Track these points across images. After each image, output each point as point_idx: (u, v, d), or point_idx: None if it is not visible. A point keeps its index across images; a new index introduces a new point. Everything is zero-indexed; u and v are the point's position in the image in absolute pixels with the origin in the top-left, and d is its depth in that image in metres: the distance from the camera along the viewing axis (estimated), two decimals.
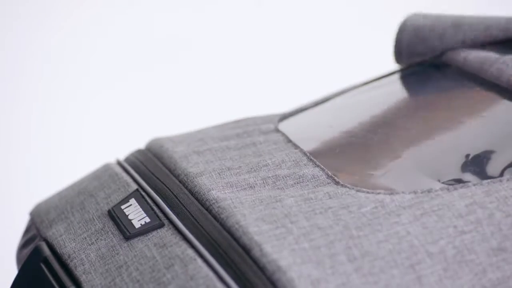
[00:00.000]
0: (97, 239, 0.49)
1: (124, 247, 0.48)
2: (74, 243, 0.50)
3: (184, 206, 0.49)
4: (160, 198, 0.50)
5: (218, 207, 0.48)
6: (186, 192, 0.50)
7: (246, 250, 0.44)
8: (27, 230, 0.55)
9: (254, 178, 0.50)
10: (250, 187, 0.50)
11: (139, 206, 0.50)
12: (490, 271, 0.44)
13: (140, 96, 1.31)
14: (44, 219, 0.53)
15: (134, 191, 0.51)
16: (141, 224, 0.48)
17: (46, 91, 1.32)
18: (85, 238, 0.50)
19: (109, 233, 0.49)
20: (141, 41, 1.41)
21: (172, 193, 0.51)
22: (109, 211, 0.51)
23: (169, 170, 0.53)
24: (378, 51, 1.33)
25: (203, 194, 0.49)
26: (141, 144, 0.58)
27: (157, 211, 0.49)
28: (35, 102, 1.30)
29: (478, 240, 0.45)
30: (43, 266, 0.50)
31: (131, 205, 0.50)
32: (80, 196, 0.53)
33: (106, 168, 0.55)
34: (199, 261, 0.45)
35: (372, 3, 1.52)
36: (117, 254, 0.48)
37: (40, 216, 0.54)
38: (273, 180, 0.50)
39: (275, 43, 1.43)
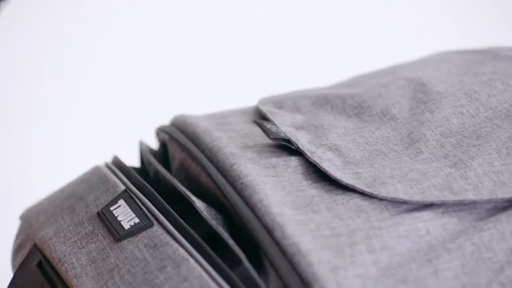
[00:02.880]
0: (88, 242, 0.49)
1: (115, 249, 0.47)
2: (65, 247, 0.49)
3: (216, 183, 0.49)
4: (147, 197, 0.50)
5: (241, 183, 0.48)
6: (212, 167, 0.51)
7: (268, 231, 0.45)
8: (18, 235, 0.55)
9: (277, 159, 0.50)
10: (273, 166, 0.50)
11: (128, 207, 0.49)
12: (508, 269, 0.45)
13: (140, 96, 1.31)
14: (33, 222, 0.53)
15: (123, 191, 0.51)
16: (130, 225, 0.48)
17: (46, 91, 1.32)
18: (75, 241, 0.49)
19: (99, 235, 0.49)
20: (141, 41, 1.41)
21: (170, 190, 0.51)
22: (98, 213, 0.50)
23: (194, 144, 0.53)
24: (377, 51, 1.33)
25: (227, 169, 0.49)
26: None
27: (146, 210, 0.49)
28: (35, 102, 1.30)
29: (497, 238, 0.45)
30: (38, 271, 0.49)
31: (119, 206, 0.50)
32: (70, 199, 0.53)
33: (95, 170, 0.55)
34: (191, 261, 0.45)
35: (371, 3, 1.52)
36: (108, 256, 0.47)
37: (30, 220, 0.53)
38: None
39: (275, 42, 1.42)
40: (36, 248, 0.50)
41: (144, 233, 0.47)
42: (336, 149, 0.51)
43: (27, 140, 1.25)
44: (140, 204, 0.49)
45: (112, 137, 1.17)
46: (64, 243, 0.49)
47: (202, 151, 0.52)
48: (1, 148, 1.22)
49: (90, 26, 1.44)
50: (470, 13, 1.51)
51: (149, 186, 0.51)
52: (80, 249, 0.49)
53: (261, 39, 1.44)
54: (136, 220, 0.48)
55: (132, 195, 0.50)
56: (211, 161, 0.51)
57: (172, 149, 0.56)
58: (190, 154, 0.53)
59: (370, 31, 1.42)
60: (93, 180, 0.53)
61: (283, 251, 0.43)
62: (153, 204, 0.49)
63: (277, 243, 0.44)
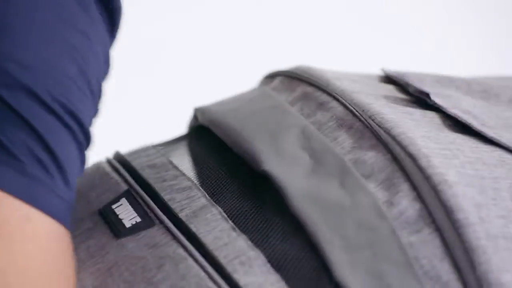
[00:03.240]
0: (88, 237, 0.49)
1: (115, 246, 0.48)
2: None
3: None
4: (150, 197, 0.50)
5: (382, 117, 0.48)
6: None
7: (413, 159, 0.45)
8: None
9: (413, 109, 0.51)
10: (410, 114, 0.50)
11: (130, 206, 0.49)
12: None
13: (140, 96, 1.30)
14: None
15: (125, 190, 0.51)
16: (131, 224, 0.48)
17: None
18: (76, 236, 0.49)
19: (100, 232, 0.49)
20: (140, 41, 1.41)
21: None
22: (99, 211, 0.50)
23: (321, 87, 0.53)
24: (377, 52, 1.33)
25: (363, 106, 0.49)
26: (139, 144, 0.57)
27: (148, 210, 0.49)
28: None
29: None
30: None
31: (121, 204, 0.50)
32: None
33: (96, 168, 0.55)
34: (190, 260, 0.45)
35: (371, 3, 1.52)
36: (108, 253, 0.47)
37: None
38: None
39: (275, 41, 1.42)
40: None
41: (145, 232, 0.47)
42: (470, 113, 0.51)
43: None
44: (142, 203, 0.49)
45: (110, 136, 1.17)
46: None
47: (330, 92, 0.52)
48: None
49: None
50: (470, 13, 1.52)
51: (151, 184, 0.51)
52: (80, 243, 0.49)
53: (262, 38, 1.44)
54: (138, 219, 0.48)
55: (134, 194, 0.50)
56: (344, 99, 0.51)
57: (292, 86, 0.55)
58: (320, 86, 0.53)
59: (370, 31, 1.42)
60: (95, 177, 0.53)
61: (427, 178, 0.44)
62: (155, 203, 0.49)
63: (422, 170, 0.44)
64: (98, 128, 1.29)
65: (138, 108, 1.28)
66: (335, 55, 1.36)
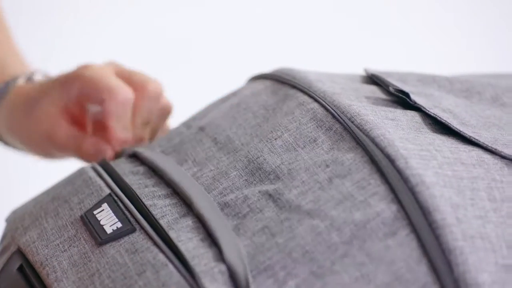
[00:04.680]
0: (70, 246, 0.49)
1: (96, 253, 0.47)
2: (47, 250, 0.49)
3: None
4: (131, 202, 0.50)
5: (361, 119, 0.48)
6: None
7: (391, 160, 0.45)
8: (3, 237, 0.54)
9: (393, 109, 0.51)
10: (390, 112, 0.50)
11: (111, 211, 0.49)
12: None
13: None
14: (19, 225, 0.53)
15: (107, 195, 0.50)
16: (112, 230, 0.48)
17: None
18: (58, 245, 0.49)
19: (82, 239, 0.49)
20: (142, 41, 1.41)
21: None
22: (81, 217, 0.50)
23: (303, 89, 0.53)
24: (377, 51, 1.32)
25: (343, 108, 0.50)
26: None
27: (129, 215, 0.49)
28: None
29: None
30: (18, 275, 0.49)
31: (103, 210, 0.50)
32: (54, 202, 0.53)
33: (80, 173, 0.54)
34: (171, 266, 0.44)
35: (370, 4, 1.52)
36: (90, 261, 0.47)
37: (16, 223, 0.53)
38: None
39: (276, 41, 1.42)
40: (18, 252, 0.50)
41: (126, 238, 0.47)
42: (450, 112, 0.51)
43: None
44: (124, 209, 0.49)
45: None
46: (47, 246, 0.49)
47: (313, 93, 0.52)
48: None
49: (89, 25, 1.44)
50: (469, 13, 1.51)
51: (133, 190, 0.50)
52: (62, 252, 0.48)
53: (263, 38, 1.44)
54: (119, 224, 0.48)
55: (116, 199, 0.50)
56: (325, 101, 0.51)
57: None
58: (302, 88, 0.53)
59: (369, 31, 1.42)
60: (78, 182, 0.53)
61: (405, 180, 0.44)
62: (136, 208, 0.49)
63: (399, 172, 0.44)
64: None
65: None
66: (329, 55, 1.36)
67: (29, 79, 0.66)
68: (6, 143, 0.68)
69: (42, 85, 0.63)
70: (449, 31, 1.53)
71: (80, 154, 0.62)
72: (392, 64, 0.65)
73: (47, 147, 0.63)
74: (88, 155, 0.61)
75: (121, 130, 0.60)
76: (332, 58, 1.35)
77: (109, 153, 0.60)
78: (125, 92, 0.59)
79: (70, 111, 0.62)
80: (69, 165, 0.63)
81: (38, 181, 0.68)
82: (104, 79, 0.59)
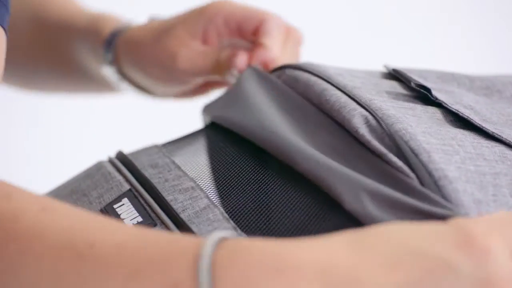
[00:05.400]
0: None
1: None
2: None
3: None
4: (152, 197, 0.50)
5: (383, 113, 0.48)
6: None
7: (415, 154, 0.45)
8: None
9: (414, 104, 0.51)
10: (411, 109, 0.50)
11: (131, 206, 0.49)
12: None
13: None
14: None
15: (127, 190, 0.51)
16: (133, 224, 0.48)
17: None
18: None
19: None
20: None
21: None
22: (101, 210, 0.50)
23: (324, 77, 0.54)
24: (375, 51, 1.32)
25: (365, 102, 0.50)
26: (140, 144, 0.57)
27: (150, 210, 0.49)
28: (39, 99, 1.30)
29: None
30: None
31: (123, 204, 0.50)
32: (73, 195, 0.53)
33: (98, 167, 0.54)
34: None
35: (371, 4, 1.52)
36: None
37: None
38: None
39: None
40: None
41: None
42: (471, 109, 0.51)
43: (29, 136, 1.24)
44: (144, 204, 0.49)
45: (112, 135, 1.16)
46: None
47: (336, 85, 0.53)
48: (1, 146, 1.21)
49: None
50: (469, 13, 1.52)
51: (153, 184, 0.50)
52: None
53: None
54: (140, 219, 0.48)
55: (136, 194, 0.50)
56: (347, 96, 0.51)
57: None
58: (323, 77, 0.53)
59: (369, 31, 1.42)
60: (96, 176, 0.53)
61: (429, 174, 0.44)
62: (157, 203, 0.49)
63: (422, 165, 0.44)
64: (100, 127, 1.28)
65: (140, 108, 1.28)
66: (334, 54, 1.36)
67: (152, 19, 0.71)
68: (129, 79, 0.71)
69: (174, 18, 0.67)
70: (449, 31, 1.54)
71: (208, 69, 0.65)
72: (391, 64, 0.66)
73: (171, 71, 0.66)
74: (220, 66, 0.64)
75: (276, 49, 0.63)
76: (333, 58, 1.35)
77: (244, 60, 0.63)
78: (280, 17, 0.65)
79: (206, 35, 0.65)
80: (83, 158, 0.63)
81: (53, 173, 0.67)
82: (253, 7, 0.65)
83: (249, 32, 0.65)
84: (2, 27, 0.48)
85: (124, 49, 0.69)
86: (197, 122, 0.63)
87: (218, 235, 0.38)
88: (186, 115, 1.10)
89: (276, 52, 0.63)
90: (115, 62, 0.70)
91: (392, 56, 1.32)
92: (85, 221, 0.40)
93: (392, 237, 0.37)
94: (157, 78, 0.68)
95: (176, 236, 0.39)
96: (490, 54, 1.51)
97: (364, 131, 0.48)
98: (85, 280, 0.37)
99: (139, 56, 0.68)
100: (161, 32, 0.66)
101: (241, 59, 0.63)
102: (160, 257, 0.37)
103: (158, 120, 1.25)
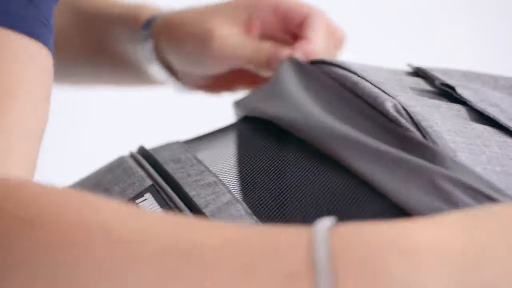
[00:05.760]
0: None
1: None
2: None
3: None
4: (175, 193, 0.50)
5: (409, 110, 0.48)
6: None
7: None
8: None
9: (439, 102, 0.51)
10: (435, 106, 0.50)
11: (154, 201, 0.49)
12: None
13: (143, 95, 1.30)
14: None
15: (150, 186, 0.51)
16: None
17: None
18: None
19: None
20: None
21: None
22: None
23: (351, 70, 0.54)
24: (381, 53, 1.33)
25: (393, 96, 0.50)
26: (140, 143, 0.58)
27: (172, 206, 0.49)
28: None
29: None
30: None
31: (146, 199, 0.50)
32: (95, 189, 0.53)
33: (120, 162, 0.54)
34: None
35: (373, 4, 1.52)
36: None
37: None
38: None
39: None
40: None
41: None
42: (497, 107, 0.51)
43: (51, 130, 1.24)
44: (167, 199, 0.49)
45: (113, 135, 1.16)
46: None
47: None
48: None
49: None
50: (470, 13, 1.52)
51: (176, 179, 0.51)
52: None
53: None
54: None
55: (158, 189, 0.50)
56: (378, 88, 0.51)
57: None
58: (350, 70, 0.54)
59: (369, 30, 1.42)
60: (118, 171, 0.53)
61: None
62: (180, 198, 0.49)
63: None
64: (120, 124, 1.27)
65: (163, 105, 1.28)
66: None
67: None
68: (161, 58, 0.71)
69: (219, 3, 0.68)
70: (449, 31, 1.54)
71: (244, 57, 0.65)
72: (392, 64, 0.66)
73: (205, 48, 0.66)
74: (258, 57, 0.65)
75: (319, 43, 0.64)
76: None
77: (289, 53, 0.63)
78: (327, 14, 0.66)
79: (251, 22, 0.66)
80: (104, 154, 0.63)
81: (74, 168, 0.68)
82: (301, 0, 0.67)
83: (294, 25, 0.66)
84: (49, 49, 0.48)
85: (161, 27, 0.70)
86: (218, 122, 0.63)
87: (328, 221, 0.36)
88: (211, 113, 1.10)
89: (319, 46, 0.63)
90: (152, 40, 0.70)
91: (392, 56, 1.33)
92: (173, 223, 0.38)
93: None
94: (189, 53, 0.68)
95: (278, 228, 0.37)
96: (490, 54, 1.52)
97: (398, 117, 0.48)
98: (196, 280, 0.36)
99: (176, 33, 0.69)
100: (204, 13, 0.67)
101: (287, 52, 0.63)
102: (269, 249, 0.35)
103: (181, 117, 1.25)
